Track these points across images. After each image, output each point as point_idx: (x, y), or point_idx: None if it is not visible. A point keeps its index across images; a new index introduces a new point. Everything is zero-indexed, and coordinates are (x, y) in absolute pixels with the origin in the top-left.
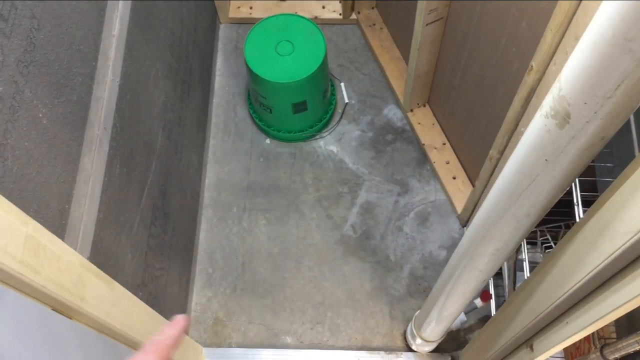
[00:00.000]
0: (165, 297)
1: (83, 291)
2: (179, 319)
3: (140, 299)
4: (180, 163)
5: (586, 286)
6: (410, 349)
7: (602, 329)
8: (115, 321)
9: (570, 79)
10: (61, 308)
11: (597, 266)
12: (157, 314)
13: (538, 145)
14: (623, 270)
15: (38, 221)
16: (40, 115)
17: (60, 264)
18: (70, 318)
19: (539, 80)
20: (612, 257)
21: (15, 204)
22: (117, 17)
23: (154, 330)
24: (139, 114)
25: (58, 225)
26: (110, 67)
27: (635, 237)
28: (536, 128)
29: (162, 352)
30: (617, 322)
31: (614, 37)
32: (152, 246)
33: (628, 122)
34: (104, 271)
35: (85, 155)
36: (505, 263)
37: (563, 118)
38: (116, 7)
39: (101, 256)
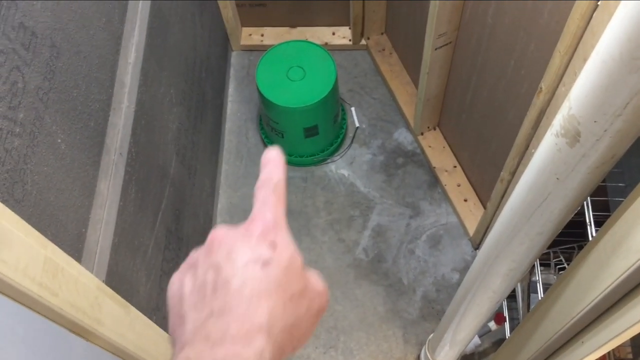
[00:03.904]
0: None
1: (99, 314)
2: (276, 155)
3: (155, 322)
4: (194, 188)
5: (600, 305)
6: None
7: (618, 349)
8: (130, 344)
9: (579, 97)
10: (78, 330)
11: (611, 284)
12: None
13: (549, 163)
14: (637, 287)
15: (56, 244)
16: (59, 140)
17: (78, 286)
18: (87, 340)
19: (549, 101)
20: (626, 274)
21: (34, 227)
22: (133, 45)
23: (169, 354)
24: (153, 140)
25: (75, 248)
26: (126, 93)
27: None
28: (547, 147)
29: (282, 199)
30: (633, 342)
31: (622, 56)
32: (166, 270)
33: (638, 141)
34: (120, 295)
35: (101, 180)
36: (518, 285)
37: (573, 137)
38: (132, 35)
39: (116, 280)
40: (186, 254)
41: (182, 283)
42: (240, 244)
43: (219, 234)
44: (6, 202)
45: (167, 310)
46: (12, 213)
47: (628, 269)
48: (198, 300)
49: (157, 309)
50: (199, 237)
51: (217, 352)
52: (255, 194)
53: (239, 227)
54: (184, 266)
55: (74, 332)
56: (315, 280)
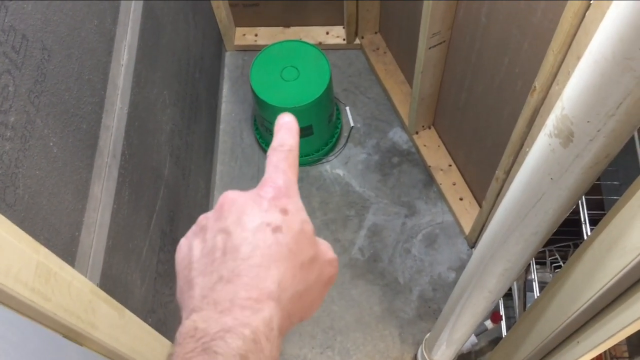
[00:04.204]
0: (175, 324)
1: (93, 318)
2: (290, 121)
3: (150, 325)
4: (188, 189)
5: (596, 304)
6: None
7: (614, 348)
8: (125, 348)
9: (572, 98)
10: (72, 335)
11: (606, 284)
12: (166, 340)
13: (543, 164)
14: (632, 286)
15: (49, 248)
16: (51, 144)
17: (71, 290)
18: (81, 345)
19: (543, 100)
20: (621, 274)
21: (27, 231)
22: (125, 46)
23: (164, 357)
24: (147, 141)
25: (68, 252)
26: (119, 95)
27: None
28: (541, 147)
29: (294, 166)
30: (629, 341)
31: (614, 56)
32: (161, 272)
33: (632, 140)
34: (114, 298)
35: (94, 182)
36: (514, 283)
37: (567, 137)
38: (124, 36)
39: (111, 283)
40: None
41: (191, 247)
42: (251, 208)
43: (230, 197)
44: None
45: (167, 298)
46: (4, 218)
47: (623, 268)
48: (207, 264)
49: (152, 311)
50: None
51: (225, 319)
52: (268, 158)
53: (250, 191)
54: (192, 230)
55: (67, 337)
56: (326, 249)
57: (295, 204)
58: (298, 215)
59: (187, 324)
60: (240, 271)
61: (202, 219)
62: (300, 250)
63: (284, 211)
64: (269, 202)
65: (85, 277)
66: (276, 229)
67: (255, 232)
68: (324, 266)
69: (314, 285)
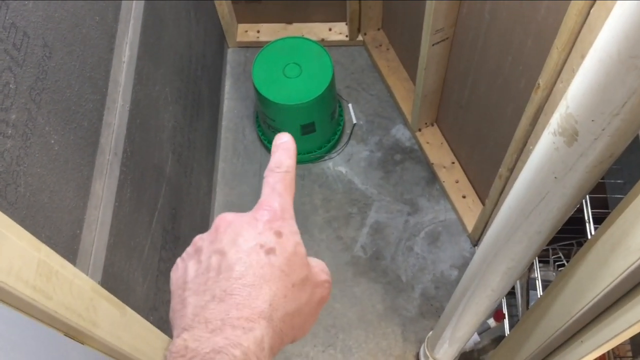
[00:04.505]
0: None
1: (95, 316)
2: (288, 141)
3: (152, 323)
4: (190, 186)
5: (600, 304)
6: None
7: (617, 347)
8: (127, 346)
9: (576, 96)
10: (73, 333)
11: (610, 283)
12: (168, 338)
13: (547, 163)
14: (637, 286)
15: (50, 246)
16: (52, 141)
17: (72, 289)
18: (82, 343)
19: (547, 98)
20: (625, 274)
21: (28, 229)
22: (127, 43)
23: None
24: (149, 139)
25: (70, 250)
26: (120, 92)
27: None
28: (544, 146)
29: (291, 188)
30: (633, 340)
31: (619, 55)
32: (163, 270)
33: (637, 138)
34: (116, 295)
35: (96, 180)
36: (517, 282)
37: (571, 135)
38: (126, 33)
39: (112, 281)
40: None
41: (186, 268)
42: (247, 231)
43: (226, 219)
44: None
45: (169, 296)
46: (5, 216)
47: (627, 268)
48: (200, 284)
49: (154, 309)
50: (196, 235)
51: (216, 338)
52: (265, 179)
53: (246, 213)
54: (188, 250)
55: (68, 336)
56: (319, 271)
57: (290, 227)
58: (292, 237)
59: (177, 343)
60: (233, 290)
61: (198, 240)
62: (292, 272)
63: (278, 234)
64: (264, 224)
65: (87, 275)
66: (269, 251)
67: (249, 253)
68: (316, 287)
69: (306, 306)
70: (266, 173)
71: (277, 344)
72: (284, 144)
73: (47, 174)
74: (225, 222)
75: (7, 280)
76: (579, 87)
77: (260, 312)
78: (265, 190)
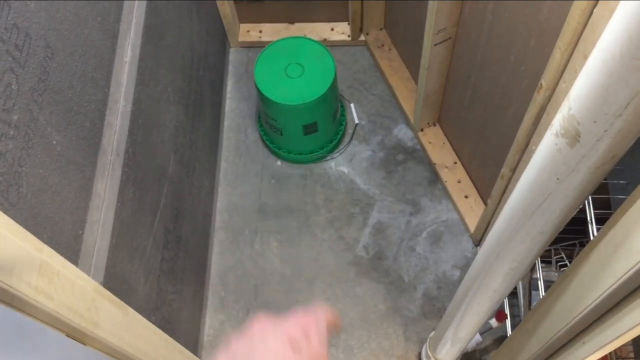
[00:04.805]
0: (179, 321)
1: (97, 317)
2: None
3: (154, 323)
4: (192, 186)
5: (602, 305)
6: None
7: (619, 348)
8: (129, 346)
9: (579, 97)
10: (75, 334)
11: (613, 284)
12: (170, 338)
13: (549, 164)
14: (639, 288)
15: (52, 247)
16: (54, 142)
17: (74, 289)
18: (84, 344)
19: (549, 98)
20: (627, 275)
21: (30, 230)
22: (129, 43)
23: (168, 355)
24: (150, 139)
25: (72, 251)
26: (122, 93)
27: None
28: (547, 147)
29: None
30: (635, 341)
31: (622, 56)
32: (165, 270)
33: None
34: (117, 296)
35: (98, 181)
36: (519, 282)
37: (573, 137)
38: (128, 34)
39: (114, 281)
40: (185, 253)
41: None
42: (277, 333)
43: (260, 319)
44: (1, 206)
45: (171, 296)
46: (7, 217)
47: (630, 269)
48: None
49: (156, 309)
50: (198, 235)
51: None
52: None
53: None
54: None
55: (70, 336)
56: None
57: (320, 336)
58: (320, 341)
59: None
60: None
61: (231, 340)
62: None
63: (307, 337)
64: (294, 330)
65: (89, 275)
66: (295, 344)
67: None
68: None
69: None
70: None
71: None
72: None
73: (49, 174)
74: (258, 325)
75: (9, 281)
76: (581, 88)
77: None
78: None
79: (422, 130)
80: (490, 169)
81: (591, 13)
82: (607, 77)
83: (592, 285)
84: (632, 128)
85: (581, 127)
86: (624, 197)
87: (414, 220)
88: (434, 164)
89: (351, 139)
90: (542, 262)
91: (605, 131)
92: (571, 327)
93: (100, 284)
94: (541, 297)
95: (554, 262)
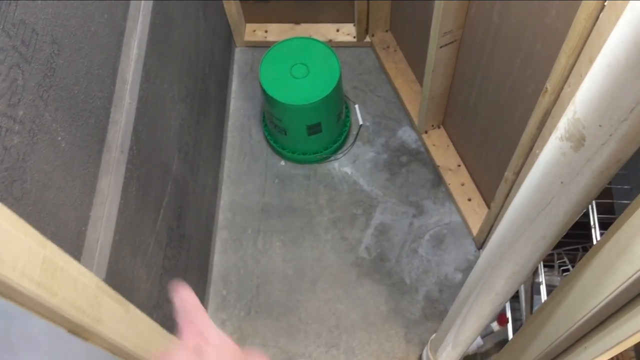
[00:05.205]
0: None
1: (99, 313)
2: (183, 289)
3: (155, 320)
4: (196, 185)
5: (604, 310)
6: None
7: (621, 353)
8: (130, 343)
9: (584, 101)
10: (77, 330)
11: (615, 290)
12: (171, 336)
13: (553, 167)
14: None
15: (55, 243)
16: (59, 138)
17: (77, 285)
18: (86, 340)
19: (554, 102)
20: (630, 280)
21: (33, 225)
22: (135, 41)
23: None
24: (155, 137)
25: (75, 247)
26: (127, 90)
27: None
28: (551, 151)
29: (199, 325)
30: (637, 347)
31: (628, 60)
32: (167, 268)
33: None
34: (120, 292)
35: (102, 177)
36: (522, 286)
37: (578, 141)
38: (134, 31)
39: (117, 277)
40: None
41: None
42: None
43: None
44: (5, 201)
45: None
46: (10, 212)
47: (633, 275)
48: None
49: (157, 307)
50: (201, 234)
51: None
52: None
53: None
54: None
55: (72, 332)
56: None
57: (212, 330)
58: (216, 335)
59: None
60: None
61: None
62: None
63: (203, 339)
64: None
65: (91, 271)
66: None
67: None
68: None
69: None
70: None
71: None
72: (183, 292)
73: (53, 170)
74: None
75: (12, 276)
76: (587, 92)
77: None
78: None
79: (426, 132)
80: (494, 172)
81: (597, 17)
82: (612, 82)
83: (594, 290)
84: (637, 132)
85: (586, 131)
86: (628, 202)
87: (416, 222)
88: (438, 166)
89: (355, 140)
90: (544, 266)
91: (610, 135)
92: (573, 331)
93: (103, 281)
94: (543, 301)
95: (556, 266)
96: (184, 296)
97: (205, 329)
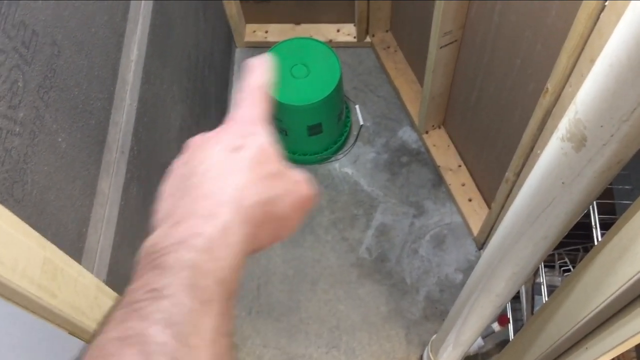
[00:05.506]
0: None
1: (99, 314)
2: (260, 61)
3: None
4: None
5: (606, 311)
6: None
7: (622, 354)
8: None
9: (586, 102)
10: (77, 331)
11: (617, 290)
12: None
13: (555, 168)
14: None
15: (56, 244)
16: (60, 139)
17: (77, 287)
18: (86, 341)
19: (555, 102)
20: (632, 281)
21: (34, 227)
22: (135, 42)
23: None
24: (156, 137)
25: (75, 248)
26: (128, 91)
27: None
28: (552, 151)
29: (262, 101)
30: (638, 347)
31: (630, 60)
32: None
33: None
34: (120, 294)
35: (102, 178)
36: (522, 286)
37: (579, 141)
38: (135, 32)
39: (117, 279)
40: None
41: (161, 193)
42: (214, 140)
43: (195, 139)
44: (5, 202)
45: None
46: (11, 214)
47: (634, 275)
48: (170, 193)
49: None
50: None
51: (178, 229)
52: (235, 99)
53: (214, 130)
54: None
55: (72, 334)
56: (297, 171)
57: (259, 129)
58: (260, 136)
59: (143, 246)
60: (198, 183)
61: (174, 163)
62: (261, 164)
63: (247, 134)
64: (233, 133)
65: (92, 273)
66: (237, 148)
67: (215, 153)
68: (294, 183)
69: (281, 200)
70: (236, 92)
71: (250, 236)
72: (257, 66)
73: (53, 172)
74: (194, 140)
75: (13, 278)
76: (588, 92)
77: (226, 200)
78: (233, 108)
79: (426, 132)
80: (495, 173)
81: (598, 17)
82: (614, 82)
83: (596, 291)
84: (638, 133)
85: (587, 131)
86: (629, 202)
87: (417, 222)
88: (439, 166)
89: (356, 140)
90: (545, 266)
91: (612, 136)
92: (574, 332)
93: (103, 282)
94: (544, 301)
95: (557, 266)
96: (254, 81)
97: (256, 120)
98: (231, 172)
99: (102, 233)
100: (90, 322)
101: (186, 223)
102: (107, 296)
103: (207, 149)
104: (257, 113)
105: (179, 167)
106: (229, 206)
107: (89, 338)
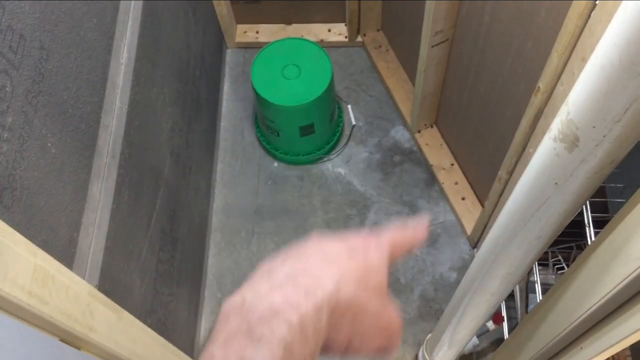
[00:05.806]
0: (175, 323)
1: (91, 321)
2: (422, 227)
3: (149, 325)
4: (189, 187)
5: (600, 310)
6: None
7: (617, 353)
8: (124, 350)
9: (578, 102)
10: (70, 339)
11: (611, 290)
12: (165, 341)
13: (547, 168)
14: (638, 294)
15: (46, 250)
16: (49, 144)
17: (69, 293)
18: (79, 349)
19: (546, 101)
20: (626, 281)
21: (24, 233)
22: (125, 45)
23: (163, 358)
24: (147, 140)
25: (67, 253)
26: (118, 94)
27: None
28: (545, 151)
29: (397, 249)
30: (633, 346)
31: (621, 62)
32: (161, 272)
33: (637, 143)
34: (113, 299)
35: (93, 183)
36: (517, 285)
37: (572, 142)
38: (124, 35)
39: (109, 284)
40: (182, 254)
41: (243, 297)
42: (337, 236)
43: (311, 239)
44: None
45: (167, 298)
46: (0, 221)
47: (628, 275)
48: (269, 271)
49: (151, 312)
50: (195, 236)
51: (275, 294)
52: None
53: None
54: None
55: (65, 341)
56: (395, 305)
57: (380, 252)
58: (378, 255)
59: (234, 298)
60: (303, 261)
61: (266, 265)
62: (369, 277)
63: (369, 246)
64: (355, 240)
65: (84, 278)
66: (351, 251)
67: (331, 247)
68: (388, 313)
69: (371, 318)
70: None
71: (331, 335)
72: (420, 227)
73: (43, 177)
74: (310, 240)
75: (3, 287)
76: (580, 93)
77: (325, 283)
78: (374, 237)
79: (419, 131)
80: (488, 171)
81: (589, 15)
82: (605, 83)
83: (590, 290)
84: (630, 133)
85: (580, 132)
86: (622, 200)
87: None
88: (431, 165)
89: (348, 140)
90: (539, 264)
91: (604, 136)
92: (569, 332)
93: (95, 287)
94: (538, 299)
95: (551, 264)
96: (399, 234)
97: (382, 244)
98: (337, 264)
99: (93, 238)
100: (82, 329)
101: (285, 288)
102: (99, 302)
103: (325, 243)
104: (389, 249)
105: (281, 262)
106: (326, 290)
107: (81, 345)
